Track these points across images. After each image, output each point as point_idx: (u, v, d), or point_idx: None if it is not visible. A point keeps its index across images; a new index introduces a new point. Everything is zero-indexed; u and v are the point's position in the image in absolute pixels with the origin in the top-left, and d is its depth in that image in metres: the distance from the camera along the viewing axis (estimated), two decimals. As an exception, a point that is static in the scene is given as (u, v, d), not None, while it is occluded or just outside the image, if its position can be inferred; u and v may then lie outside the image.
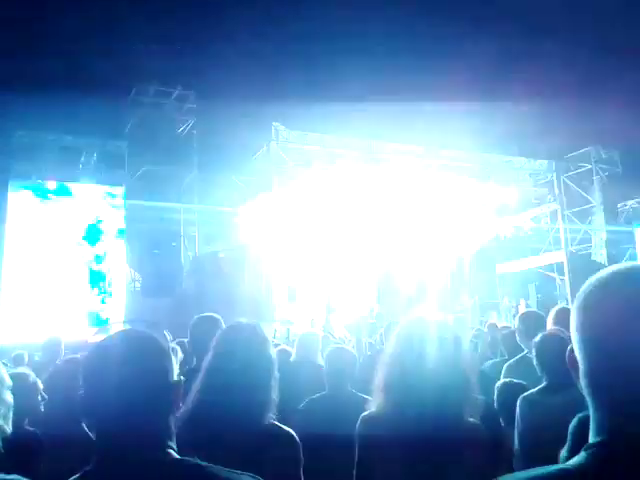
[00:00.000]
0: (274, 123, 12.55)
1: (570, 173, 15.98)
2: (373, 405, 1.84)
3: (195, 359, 2.84)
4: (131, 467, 1.07)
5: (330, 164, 13.46)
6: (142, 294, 12.30)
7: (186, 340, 3.41)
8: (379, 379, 1.82)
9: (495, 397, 2.95)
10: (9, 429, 1.58)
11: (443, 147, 13.42)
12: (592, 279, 0.88)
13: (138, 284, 12.59)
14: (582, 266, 14.35)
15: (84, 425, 1.29)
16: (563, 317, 2.94)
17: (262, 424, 1.66)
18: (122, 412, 1.08)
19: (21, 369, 2.96)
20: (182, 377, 1.18)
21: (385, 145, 13.73)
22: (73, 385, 1.69)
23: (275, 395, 1.71)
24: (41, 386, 2.58)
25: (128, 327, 1.21)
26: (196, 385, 1.72)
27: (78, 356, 2.63)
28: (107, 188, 12.74)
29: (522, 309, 14.42)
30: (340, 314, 15.90)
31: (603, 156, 15.85)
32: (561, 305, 3.75)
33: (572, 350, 0.88)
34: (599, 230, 15.77)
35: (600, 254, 15.46)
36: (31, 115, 10.67)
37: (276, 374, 1.75)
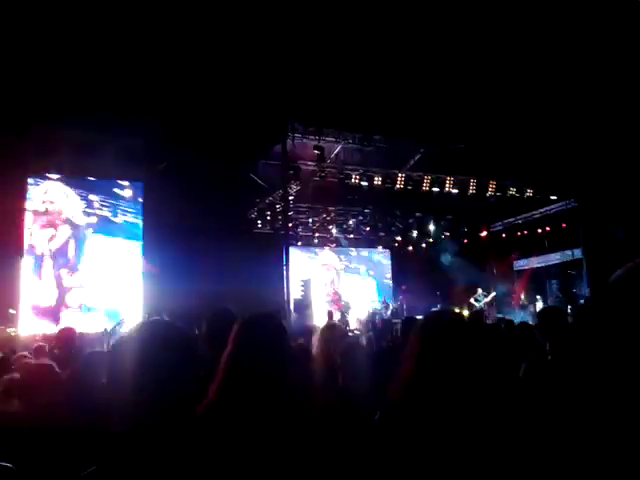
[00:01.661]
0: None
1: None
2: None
3: (210, 352, 2.82)
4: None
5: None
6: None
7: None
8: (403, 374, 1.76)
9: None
10: None
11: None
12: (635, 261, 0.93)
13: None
14: (601, 263, 14.11)
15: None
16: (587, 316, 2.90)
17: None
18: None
19: (43, 360, 2.99)
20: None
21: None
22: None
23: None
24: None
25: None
26: (218, 377, 1.68)
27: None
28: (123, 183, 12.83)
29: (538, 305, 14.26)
30: (355, 309, 15.89)
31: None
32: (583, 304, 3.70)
33: None
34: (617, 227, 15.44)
35: (618, 251, 15.16)
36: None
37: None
